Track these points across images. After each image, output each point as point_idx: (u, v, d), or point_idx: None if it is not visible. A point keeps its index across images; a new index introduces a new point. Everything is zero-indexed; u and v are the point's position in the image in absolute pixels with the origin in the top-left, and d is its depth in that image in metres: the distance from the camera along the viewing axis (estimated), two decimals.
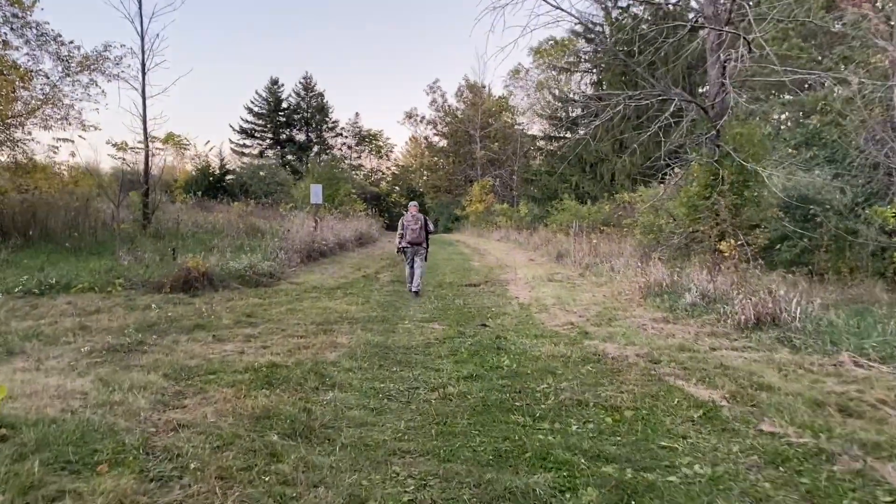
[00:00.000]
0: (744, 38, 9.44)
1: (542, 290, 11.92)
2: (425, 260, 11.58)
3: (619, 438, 4.17)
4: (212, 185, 41.23)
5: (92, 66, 14.91)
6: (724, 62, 10.57)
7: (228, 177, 45.43)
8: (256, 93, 55.48)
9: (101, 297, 9.17)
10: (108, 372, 5.39)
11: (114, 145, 11.94)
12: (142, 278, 10.11)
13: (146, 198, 16.50)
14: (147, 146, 15.96)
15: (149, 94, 16.49)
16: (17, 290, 9.09)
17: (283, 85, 55.73)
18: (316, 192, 18.02)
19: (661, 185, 25.09)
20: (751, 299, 7.89)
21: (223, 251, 14.65)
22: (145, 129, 16.28)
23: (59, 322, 7.47)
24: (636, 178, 30.01)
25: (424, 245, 11.46)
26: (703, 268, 10.99)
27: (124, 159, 13.27)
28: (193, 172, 44.15)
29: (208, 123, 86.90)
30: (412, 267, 11.45)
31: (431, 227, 11.75)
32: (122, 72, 15.65)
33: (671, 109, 11.26)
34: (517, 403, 4.85)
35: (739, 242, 10.52)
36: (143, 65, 16.39)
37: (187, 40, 78.84)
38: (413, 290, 11.21)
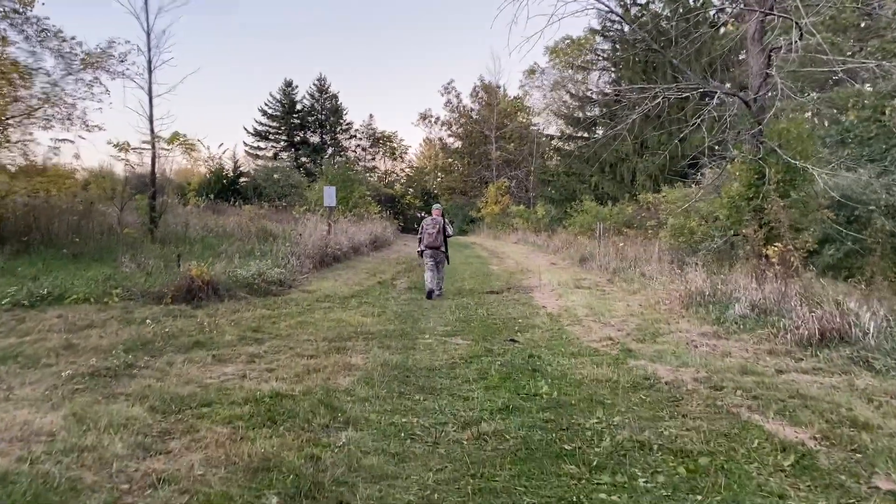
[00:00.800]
0: (796, 23, 8.57)
1: (570, 298, 11.09)
2: (447, 262, 11.64)
3: (700, 498, 3.35)
4: (225, 188, 40.78)
5: (95, 64, 14.29)
6: (771, 51, 9.70)
7: (242, 179, 44.99)
8: (270, 95, 55.04)
9: (96, 310, 8.47)
10: (87, 403, 4.65)
11: (115, 145, 11.33)
12: (142, 288, 9.41)
13: (153, 201, 15.84)
14: (154, 147, 15.32)
15: (155, 92, 15.88)
16: (4, 301, 8.41)
17: (297, 87, 55.28)
18: (329, 195, 17.31)
19: (687, 185, 24.20)
20: (814, 312, 7.03)
21: (232, 257, 13.96)
22: (152, 128, 15.65)
23: (44, 340, 6.76)
24: (658, 178, 29.15)
25: (443, 250, 11.38)
26: (748, 274, 10.13)
27: (128, 160, 12.64)
28: (207, 175, 43.79)
29: (222, 126, 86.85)
30: (431, 271, 11.31)
31: (450, 230, 11.67)
32: (127, 69, 15.04)
33: (710, 104, 10.39)
34: (566, 446, 4.04)
35: (788, 247, 9.65)
36: (150, 62, 15.78)
37: (199, 41, 78.78)
38: (435, 294, 11.12)
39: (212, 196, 36.48)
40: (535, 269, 17.06)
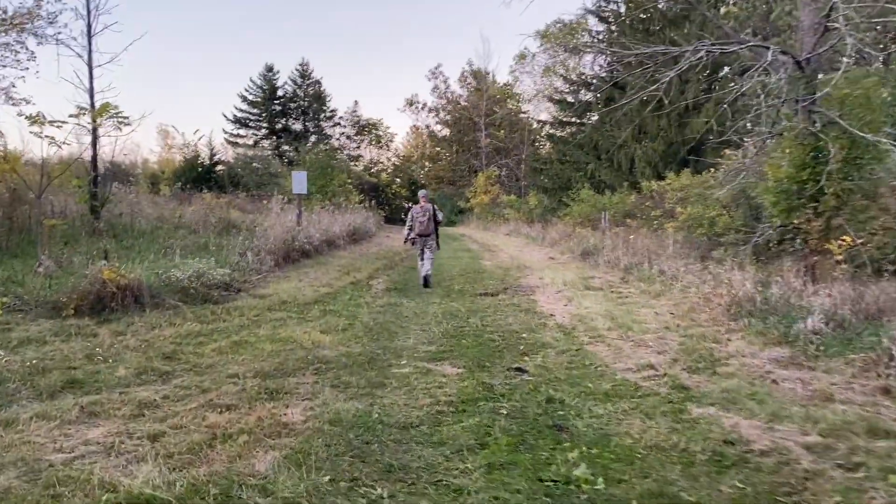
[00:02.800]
0: None
1: (582, 303, 9.13)
2: (437, 248, 11.56)
3: None
4: (200, 177, 38.68)
5: (19, 25, 12.13)
6: None
7: (219, 168, 42.83)
8: (251, 80, 52.57)
9: None
10: None
11: (28, 118, 9.20)
12: (38, 295, 7.34)
13: (94, 187, 13.71)
14: (95, 124, 13.17)
15: (96, 61, 13.74)
16: None
17: (278, 72, 52.84)
18: (299, 181, 15.22)
19: (697, 171, 22.32)
20: None
21: (176, 253, 11.91)
22: (92, 103, 13.50)
23: None
24: (658, 165, 27.36)
25: (433, 236, 11.28)
26: (798, 274, 8.23)
27: (52, 138, 10.51)
28: (181, 163, 41.61)
29: (200, 112, 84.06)
30: (422, 258, 11.24)
31: (440, 216, 11.66)
32: (60, 33, 12.89)
33: (716, 86, 8.43)
34: None
35: (858, 241, 7.75)
36: (90, 27, 13.63)
37: (175, 22, 76.10)
38: (423, 274, 11.06)
39: (183, 185, 34.46)
40: (532, 264, 15.11)
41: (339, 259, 14.38)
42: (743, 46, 8.06)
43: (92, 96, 13.66)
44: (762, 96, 8.27)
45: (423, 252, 11.18)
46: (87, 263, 9.47)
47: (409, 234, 11.35)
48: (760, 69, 8.18)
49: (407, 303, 9.38)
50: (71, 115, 10.44)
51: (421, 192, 11.85)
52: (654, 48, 8.27)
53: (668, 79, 7.73)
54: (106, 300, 7.13)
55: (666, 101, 7.92)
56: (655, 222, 18.32)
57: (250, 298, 8.63)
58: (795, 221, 8.52)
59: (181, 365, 5.36)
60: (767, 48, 7.86)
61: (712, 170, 14.09)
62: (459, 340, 6.82)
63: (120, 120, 11.03)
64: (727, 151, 14.68)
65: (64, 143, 10.37)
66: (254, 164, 41.22)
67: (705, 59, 7.56)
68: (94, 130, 13.56)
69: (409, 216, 11.43)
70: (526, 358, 5.99)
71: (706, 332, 6.81)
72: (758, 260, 9.88)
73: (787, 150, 8.52)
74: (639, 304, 8.85)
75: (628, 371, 5.52)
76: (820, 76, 8.95)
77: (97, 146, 13.81)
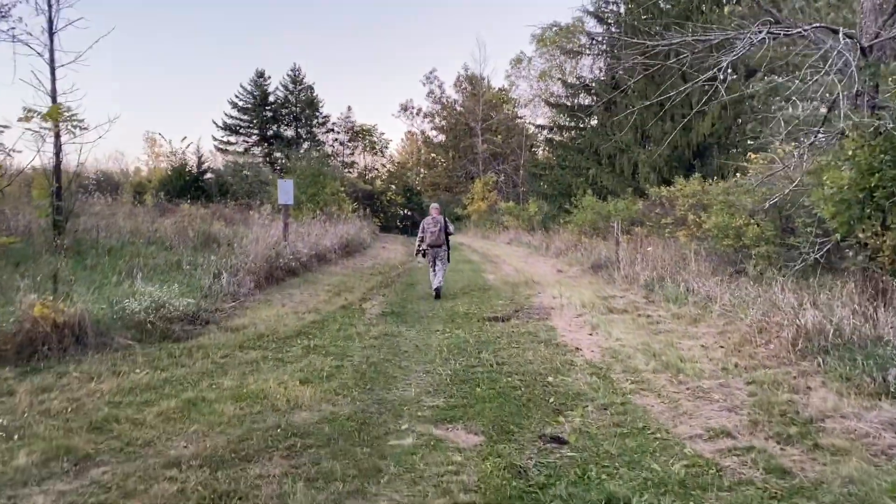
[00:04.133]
0: None
1: (610, 331, 7.84)
2: (448, 261, 11.65)
3: None
4: (188, 185, 37.43)
5: None
6: None
7: (207, 176, 41.53)
8: (241, 86, 51.31)
9: None
10: None
11: None
12: None
13: (58, 200, 12.35)
14: (57, 128, 11.82)
15: (59, 61, 12.39)
16: None
17: (269, 78, 51.66)
18: (285, 190, 13.89)
19: (707, 174, 21.13)
20: None
21: (151, 272, 10.59)
22: (57, 108, 12.13)
23: None
24: (663, 170, 26.23)
25: (445, 247, 11.42)
26: (862, 297, 6.98)
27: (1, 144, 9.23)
28: (168, 171, 40.35)
29: (189, 119, 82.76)
30: (434, 269, 11.33)
31: (451, 228, 11.76)
32: (14, 28, 11.55)
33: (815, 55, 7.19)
34: None
35: None
36: (51, 22, 12.29)
37: (166, 30, 74.96)
38: (434, 286, 11.14)
39: (169, 194, 33.11)
40: (541, 279, 13.83)
41: (329, 276, 13.05)
42: (808, 28, 6.80)
43: (55, 99, 12.31)
44: (819, 91, 7.00)
45: (434, 264, 11.30)
46: (31, 290, 8.15)
47: (420, 246, 11.50)
48: (817, 59, 6.91)
49: (406, 332, 8.08)
50: (20, 119, 9.06)
51: (433, 205, 12.14)
52: (695, 35, 7.00)
53: (726, 64, 6.44)
54: (37, 343, 5.80)
55: (723, 89, 6.57)
56: (667, 231, 17.16)
57: (220, 332, 7.29)
58: (861, 236, 7.27)
59: (110, 442, 4.04)
60: (835, 31, 6.60)
61: (738, 175, 12.85)
62: (473, 388, 5.53)
63: (75, 124, 9.71)
64: (753, 155, 13.45)
65: (12, 150, 8.93)
66: (244, 172, 40.00)
67: (767, 41, 6.29)
68: (57, 137, 12.22)
69: (421, 227, 11.61)
70: (560, 418, 4.70)
71: (776, 375, 5.52)
72: (796, 278, 8.66)
73: (851, 152, 7.26)
74: (677, 334, 7.55)
75: (698, 440, 4.23)
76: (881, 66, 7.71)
77: (60, 154, 12.44)
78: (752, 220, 11.72)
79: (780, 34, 6.38)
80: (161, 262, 11.60)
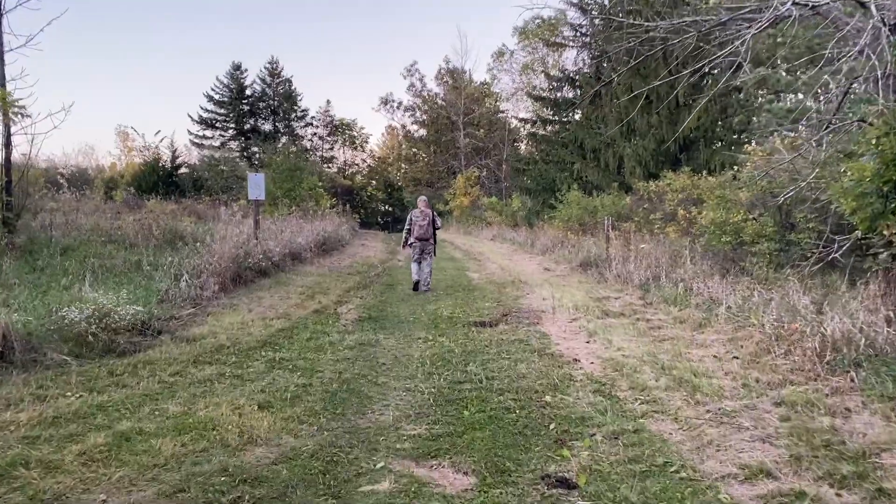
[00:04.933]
0: None
1: (610, 339, 7.13)
2: (434, 254, 11.69)
3: None
4: (161, 180, 36.34)
5: None
6: None
7: (182, 171, 40.40)
8: (217, 79, 50.03)
9: None
10: None
11: None
12: None
13: (7, 195, 11.41)
14: (7, 118, 10.89)
15: (8, 44, 11.43)
16: None
17: (246, 70, 50.55)
18: (256, 184, 13.00)
19: (695, 169, 20.59)
20: None
21: (107, 274, 9.73)
22: (3, 93, 11.20)
23: None
24: (648, 164, 25.74)
25: (432, 241, 11.39)
26: (885, 300, 6.35)
27: None
28: (141, 167, 39.23)
29: (165, 113, 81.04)
30: (419, 263, 11.27)
31: (439, 222, 11.82)
32: None
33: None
34: None
35: None
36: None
37: (139, 19, 73.27)
38: (422, 288, 11.13)
39: (140, 189, 32.02)
40: (528, 278, 13.12)
41: (303, 277, 12.21)
42: (836, 1, 6.11)
43: (3, 85, 11.35)
44: (841, 75, 6.32)
45: (421, 257, 11.26)
46: None
47: (407, 238, 11.44)
48: (839, 39, 6.23)
49: (385, 340, 7.31)
50: None
51: (421, 198, 12.23)
52: (705, 15, 6.28)
53: (749, 37, 5.71)
54: None
55: (748, 69, 5.87)
56: (656, 227, 16.60)
57: (174, 344, 6.45)
58: (886, 233, 6.61)
59: (11, 496, 3.22)
60: (863, 3, 5.91)
61: (737, 167, 12.24)
62: (460, 410, 4.78)
63: (16, 111, 8.84)
64: (749, 147, 12.85)
65: None
66: (220, 167, 38.98)
67: (794, 14, 5.59)
68: (7, 126, 11.28)
69: (408, 220, 11.53)
70: (565, 450, 3.96)
71: (806, 394, 4.82)
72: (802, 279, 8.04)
73: (875, 140, 6.60)
74: (683, 342, 6.86)
75: (733, 481, 3.51)
76: None
77: (10, 146, 11.51)
78: (751, 216, 11.13)
79: (807, 3, 5.66)
80: (119, 262, 10.73)
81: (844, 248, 6.86)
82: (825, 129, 7.67)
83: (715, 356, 6.17)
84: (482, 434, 4.27)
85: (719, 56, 6.17)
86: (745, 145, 13.52)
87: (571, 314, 8.77)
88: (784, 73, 10.82)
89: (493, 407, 4.87)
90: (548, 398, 5.09)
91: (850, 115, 6.70)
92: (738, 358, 6.03)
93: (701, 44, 7.89)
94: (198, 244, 10.19)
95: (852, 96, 7.04)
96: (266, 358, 6.17)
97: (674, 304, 8.92)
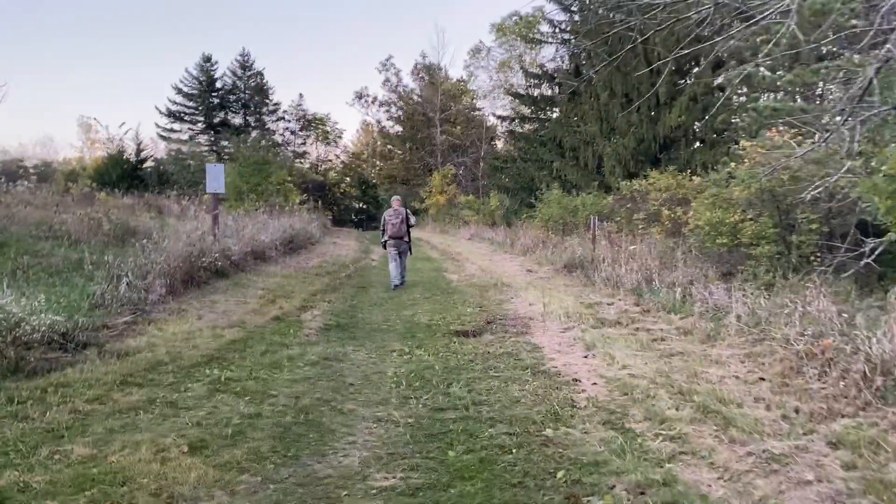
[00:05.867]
0: None
1: (612, 353, 6.24)
2: (410, 252, 11.81)
3: None
4: (125, 174, 34.94)
5: None
6: None
7: (147, 164, 38.96)
8: (187, 71, 48.35)
9: None
10: None
11: None
12: None
13: None
14: None
15: None
16: None
17: (216, 63, 48.87)
18: (215, 176, 11.90)
19: (680, 168, 19.90)
20: None
21: (39, 274, 8.62)
22: None
23: None
24: (629, 163, 25.07)
25: (406, 239, 11.38)
26: None
27: None
28: (104, 160, 37.77)
29: (131, 105, 78.78)
30: (395, 261, 11.23)
31: (413, 220, 11.80)
32: None
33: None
34: None
35: None
36: None
37: (105, 7, 71.08)
38: (394, 281, 11.11)
39: (102, 183, 30.59)
40: (510, 281, 12.23)
41: (266, 278, 11.16)
42: None
43: None
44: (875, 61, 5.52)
45: (396, 256, 11.21)
46: None
47: (383, 237, 11.48)
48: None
49: (353, 353, 6.36)
50: None
51: (394, 197, 12.45)
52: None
53: (772, 10, 4.83)
54: None
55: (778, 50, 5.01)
56: (640, 227, 15.88)
57: (100, 361, 5.40)
58: None
59: None
60: None
61: (733, 164, 11.51)
62: (444, 450, 3.87)
63: None
64: (745, 143, 12.12)
65: None
66: (187, 161, 37.66)
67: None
68: None
69: (382, 220, 11.63)
70: None
71: (861, 429, 3.98)
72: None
73: None
74: (695, 358, 6.00)
75: None
76: None
77: None
78: (749, 216, 10.42)
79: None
80: (59, 261, 9.60)
81: (878, 251, 6.05)
82: (845, 119, 6.88)
83: (737, 377, 5.31)
84: (472, 488, 3.35)
85: (726, 37, 5.32)
86: (733, 144, 12.79)
87: (563, 322, 7.89)
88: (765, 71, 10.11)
89: (484, 444, 3.96)
90: (549, 432, 4.19)
91: (883, 100, 5.91)
92: (764, 380, 5.19)
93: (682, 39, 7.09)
94: (145, 241, 9.08)
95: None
96: (210, 378, 5.17)
97: (673, 312, 8.09)
